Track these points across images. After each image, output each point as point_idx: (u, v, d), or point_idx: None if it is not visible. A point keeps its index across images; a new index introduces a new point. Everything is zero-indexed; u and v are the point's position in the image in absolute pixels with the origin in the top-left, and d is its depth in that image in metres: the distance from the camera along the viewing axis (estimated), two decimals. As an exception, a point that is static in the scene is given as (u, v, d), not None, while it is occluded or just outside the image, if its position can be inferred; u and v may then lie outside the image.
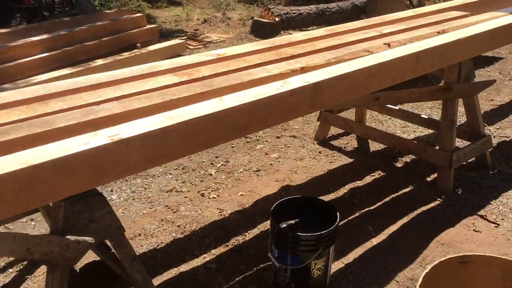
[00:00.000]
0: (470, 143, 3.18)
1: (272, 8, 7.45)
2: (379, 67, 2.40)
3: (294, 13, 7.63)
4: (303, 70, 2.41)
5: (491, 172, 3.21)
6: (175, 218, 2.75)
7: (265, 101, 1.99)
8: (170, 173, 3.31)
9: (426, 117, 3.54)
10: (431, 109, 4.29)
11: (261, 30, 6.96)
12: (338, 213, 2.14)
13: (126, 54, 5.36)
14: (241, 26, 8.36)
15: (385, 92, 3.37)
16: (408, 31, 3.11)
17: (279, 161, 3.45)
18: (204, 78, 2.28)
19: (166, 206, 2.89)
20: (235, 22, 8.80)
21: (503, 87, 4.98)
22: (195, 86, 2.16)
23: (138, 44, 5.78)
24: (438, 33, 3.04)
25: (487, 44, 3.04)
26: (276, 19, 7.07)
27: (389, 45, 2.80)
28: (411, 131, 3.91)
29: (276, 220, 2.12)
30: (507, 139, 3.71)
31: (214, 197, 2.97)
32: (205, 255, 2.44)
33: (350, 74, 2.28)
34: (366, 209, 2.84)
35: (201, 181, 3.19)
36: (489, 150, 3.27)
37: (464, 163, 3.20)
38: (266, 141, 3.79)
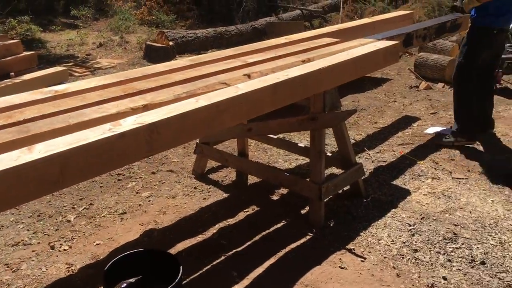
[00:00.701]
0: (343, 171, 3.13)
1: (167, 31, 7.24)
2: (230, 102, 2.24)
3: (191, 37, 7.47)
4: (146, 107, 2.19)
5: (364, 201, 3.16)
6: (13, 279, 2.39)
7: (85, 148, 1.74)
8: (22, 222, 2.94)
9: (303, 145, 3.47)
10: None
11: (154, 55, 6.72)
12: (180, 267, 1.93)
13: (-6, 85, 4.88)
14: (137, 50, 8.06)
15: (257, 123, 3.26)
16: (274, 60, 3.01)
17: (149, 201, 3.19)
18: (23, 121, 1.99)
19: (5, 264, 2.52)
20: (133, 46, 8.49)
21: (387, 109, 5.10)
22: (8, 133, 1.86)
23: (12, 73, 5.30)
24: (303, 62, 2.97)
25: (352, 72, 3.00)
26: (170, 43, 6.86)
27: (249, 76, 2.67)
28: (293, 160, 3.82)
29: (110, 282, 1.87)
30: (384, 164, 3.73)
31: (65, 249, 2.64)
32: (40, 324, 2.12)
33: (196, 111, 2.10)
34: (234, 250, 2.65)
35: (56, 229, 2.85)
36: (363, 177, 3.24)
37: (338, 192, 3.14)
38: (140, 177, 3.53)
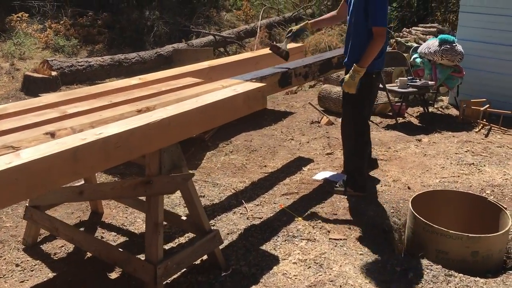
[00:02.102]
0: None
1: (51, 60, 6.52)
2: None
3: (82, 65, 6.79)
4: None
5: (223, 274, 2.65)
6: None
7: None
8: None
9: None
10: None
11: (32, 87, 5.97)
12: None
13: None
14: (24, 79, 7.24)
15: (89, 185, 2.68)
16: (103, 109, 2.46)
17: None
18: None
19: None
20: (22, 75, 7.64)
21: (281, 149, 4.68)
22: None
23: None
24: (139, 112, 2.44)
25: (200, 124, 2.50)
26: (54, 73, 6.15)
27: (53, 135, 2.09)
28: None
29: None
30: (259, 221, 3.25)
31: None
32: None
33: None
34: None
35: None
36: (221, 246, 2.73)
37: (188, 268, 2.61)
38: (-47, 251, 2.83)
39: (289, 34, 3.68)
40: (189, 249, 2.50)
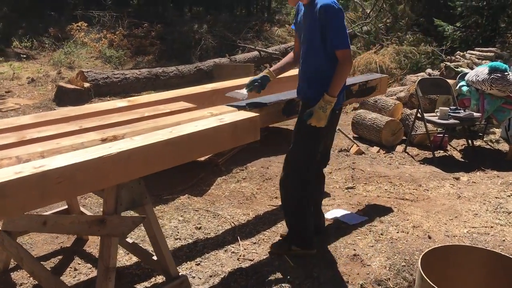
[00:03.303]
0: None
1: (86, 71, 6.56)
2: None
3: (117, 78, 6.79)
4: None
5: (189, 327, 2.36)
6: None
7: None
8: None
9: (131, 241, 2.70)
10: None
11: (65, 98, 6.02)
12: None
13: None
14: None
15: (52, 216, 2.50)
16: (64, 136, 2.27)
17: None
18: None
19: None
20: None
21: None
22: None
23: None
24: (103, 141, 2.23)
25: (168, 158, 2.24)
26: (86, 84, 6.17)
27: (-6, 165, 1.92)
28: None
29: None
30: (248, 264, 2.93)
31: None
32: None
33: None
34: None
35: None
36: (191, 294, 2.45)
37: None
38: None
39: (250, 87, 3.17)
40: (147, 298, 2.24)
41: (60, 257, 2.97)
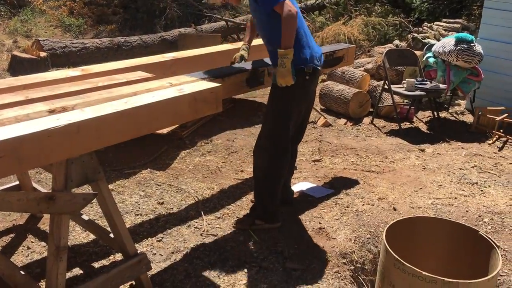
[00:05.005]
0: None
1: (43, 40, 6.22)
2: None
3: (76, 47, 6.48)
4: None
5: (148, 305, 2.27)
6: None
7: None
8: None
9: (87, 218, 2.57)
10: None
11: (19, 67, 5.69)
12: None
13: None
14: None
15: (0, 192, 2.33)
16: (7, 108, 2.10)
17: None
18: None
19: None
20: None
21: (265, 151, 4.24)
22: None
23: None
24: (51, 112, 2.07)
25: (122, 131, 2.10)
26: (42, 54, 5.85)
27: None
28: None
29: None
30: (212, 239, 2.85)
31: None
32: None
33: None
34: None
35: None
36: (149, 272, 2.35)
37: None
38: None
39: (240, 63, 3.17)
40: (103, 277, 2.13)
41: (12, 235, 2.81)
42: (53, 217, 2.01)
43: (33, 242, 2.75)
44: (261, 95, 5.46)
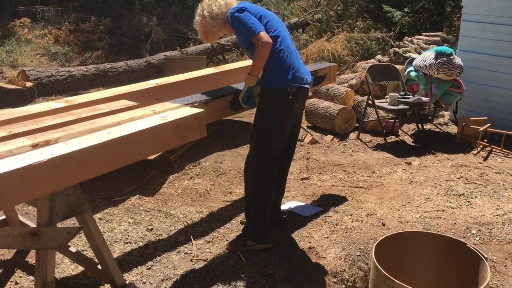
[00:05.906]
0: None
1: (28, 70, 6.24)
2: None
3: (62, 75, 6.50)
4: None
5: (139, 336, 2.26)
6: None
7: None
8: None
9: (74, 250, 2.55)
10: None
11: (5, 99, 5.69)
12: None
13: None
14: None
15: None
16: (-8, 144, 2.11)
17: None
18: None
19: None
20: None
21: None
22: None
23: None
24: (34, 147, 2.07)
25: (105, 162, 2.12)
26: (28, 84, 5.86)
27: None
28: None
29: None
30: (202, 265, 2.84)
31: None
32: None
33: None
34: None
35: None
36: (140, 302, 2.34)
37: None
38: None
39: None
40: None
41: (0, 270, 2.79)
42: (39, 252, 2.00)
43: (21, 277, 2.72)
44: (248, 115, 5.48)
